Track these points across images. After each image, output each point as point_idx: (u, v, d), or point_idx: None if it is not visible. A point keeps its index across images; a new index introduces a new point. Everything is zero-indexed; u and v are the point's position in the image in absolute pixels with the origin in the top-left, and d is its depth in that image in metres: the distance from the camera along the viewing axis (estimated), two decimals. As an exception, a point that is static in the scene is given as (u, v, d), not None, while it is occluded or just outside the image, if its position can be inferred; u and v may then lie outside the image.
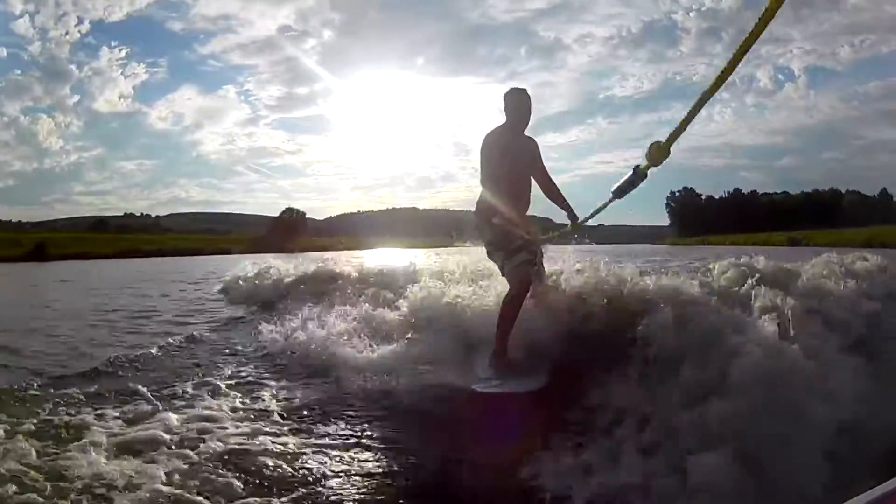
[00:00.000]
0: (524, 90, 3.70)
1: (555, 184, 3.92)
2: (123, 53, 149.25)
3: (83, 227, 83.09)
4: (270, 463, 2.79)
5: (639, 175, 2.51)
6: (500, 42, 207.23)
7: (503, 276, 3.67)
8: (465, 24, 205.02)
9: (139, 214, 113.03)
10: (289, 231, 59.29)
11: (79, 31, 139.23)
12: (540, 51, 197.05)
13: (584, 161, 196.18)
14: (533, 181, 3.90)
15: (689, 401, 2.67)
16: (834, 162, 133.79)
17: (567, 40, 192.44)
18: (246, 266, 10.82)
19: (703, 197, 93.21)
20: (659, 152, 2.19)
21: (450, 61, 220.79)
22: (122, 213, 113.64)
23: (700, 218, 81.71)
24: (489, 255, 3.78)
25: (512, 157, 3.63)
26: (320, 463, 2.83)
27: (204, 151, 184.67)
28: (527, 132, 3.87)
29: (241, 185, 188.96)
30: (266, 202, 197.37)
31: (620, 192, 2.75)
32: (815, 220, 59.49)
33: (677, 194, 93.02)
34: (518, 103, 3.68)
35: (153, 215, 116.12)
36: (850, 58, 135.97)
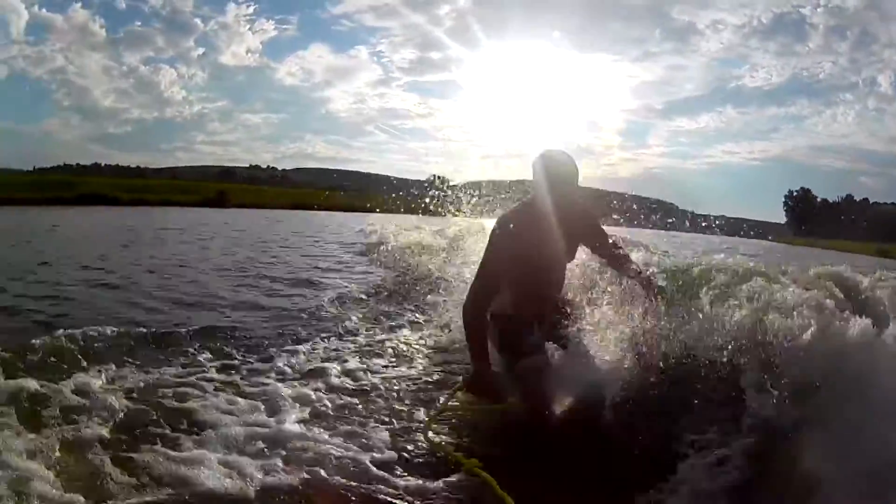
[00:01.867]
0: (566, 154, 2.67)
1: (627, 257, 2.96)
2: (252, 10, 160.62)
3: (209, 176, 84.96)
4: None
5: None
6: (634, 21, 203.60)
7: None
8: (603, 1, 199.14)
9: (265, 167, 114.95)
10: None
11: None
12: (674, 33, 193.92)
13: (711, 149, 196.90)
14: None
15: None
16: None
17: (700, 25, 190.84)
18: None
19: (819, 199, 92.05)
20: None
21: (585, 36, 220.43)
22: (247, 165, 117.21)
23: (813, 220, 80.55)
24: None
25: (545, 256, 2.69)
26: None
27: (333, 109, 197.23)
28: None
29: (370, 145, 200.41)
30: (394, 163, 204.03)
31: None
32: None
33: (794, 193, 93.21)
34: (558, 170, 2.63)
35: (279, 168, 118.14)
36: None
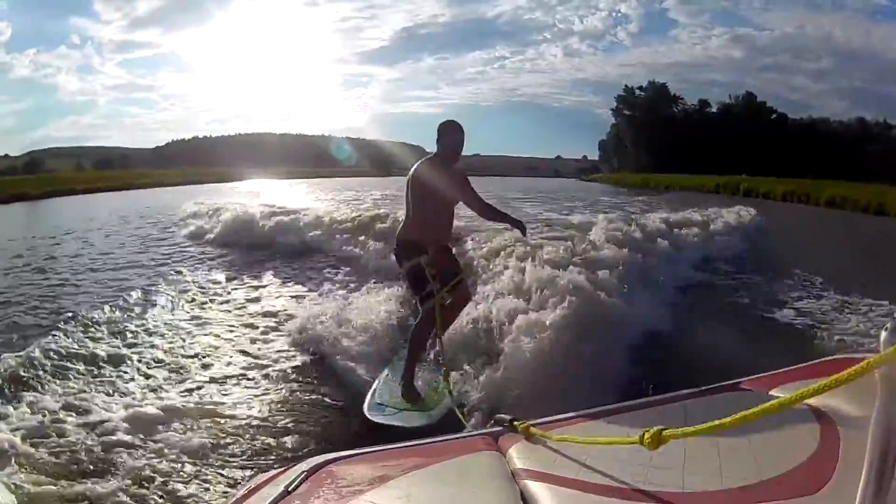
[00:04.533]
0: (460, 125, 3.71)
1: (489, 206, 3.91)
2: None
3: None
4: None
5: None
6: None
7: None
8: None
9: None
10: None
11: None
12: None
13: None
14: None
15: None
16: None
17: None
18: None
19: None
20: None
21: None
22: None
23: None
24: (406, 279, 3.83)
25: (443, 190, 3.62)
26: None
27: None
28: None
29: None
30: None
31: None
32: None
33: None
34: (452, 137, 3.66)
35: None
36: None
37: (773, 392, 1.32)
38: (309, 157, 59.83)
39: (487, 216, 3.96)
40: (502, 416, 1.35)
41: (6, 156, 60.27)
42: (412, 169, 3.68)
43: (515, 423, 1.28)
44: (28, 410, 3.31)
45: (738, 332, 5.02)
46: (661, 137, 52.08)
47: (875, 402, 0.65)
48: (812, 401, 1.17)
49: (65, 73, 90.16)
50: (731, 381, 1.47)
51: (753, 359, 3.99)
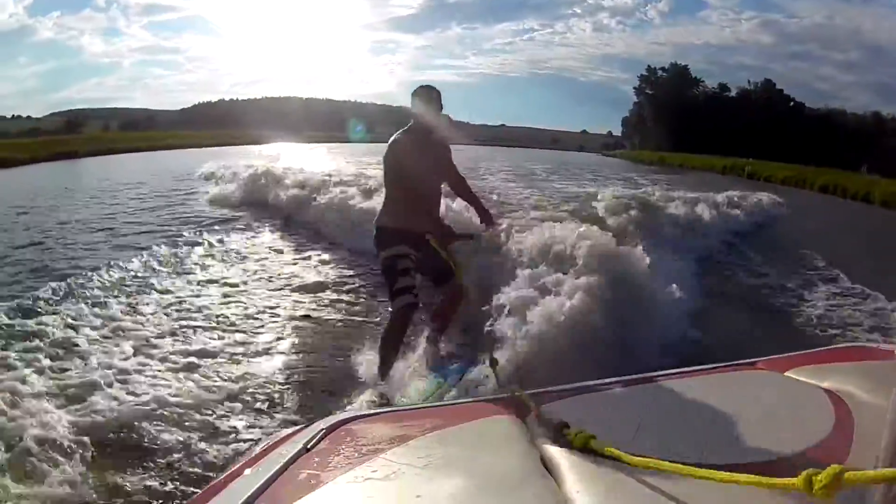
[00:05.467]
0: (435, 88, 3.30)
1: (468, 188, 3.58)
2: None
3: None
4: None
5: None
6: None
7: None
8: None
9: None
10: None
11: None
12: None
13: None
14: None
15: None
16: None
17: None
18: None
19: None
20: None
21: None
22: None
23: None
24: (380, 259, 3.31)
25: (424, 168, 3.23)
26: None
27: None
28: None
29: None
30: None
31: None
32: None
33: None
34: (428, 104, 3.24)
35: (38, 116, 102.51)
36: None
37: (787, 374, 1.35)
38: (335, 122, 59.17)
39: (466, 196, 3.59)
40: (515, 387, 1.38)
41: (29, 117, 62.21)
42: (389, 144, 3.27)
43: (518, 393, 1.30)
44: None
45: (752, 313, 5.23)
46: (680, 118, 52.32)
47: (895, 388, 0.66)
48: (826, 384, 1.25)
49: (89, 34, 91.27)
50: (747, 360, 1.48)
51: (765, 340, 4.28)
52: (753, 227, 9.86)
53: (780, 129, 48.57)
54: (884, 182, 20.95)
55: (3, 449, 2.44)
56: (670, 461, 0.84)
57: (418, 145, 3.23)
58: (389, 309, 3.33)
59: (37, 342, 3.67)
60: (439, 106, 3.30)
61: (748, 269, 7.05)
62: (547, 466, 0.94)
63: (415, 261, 3.22)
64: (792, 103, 55.33)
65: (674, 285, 4.65)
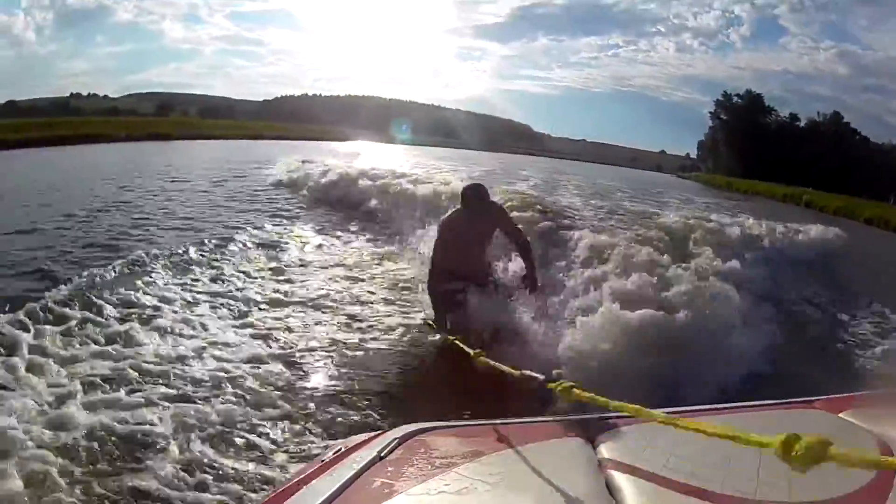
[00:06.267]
0: (482, 186, 4.11)
1: (526, 248, 4.19)
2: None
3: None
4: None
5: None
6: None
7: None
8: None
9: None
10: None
11: None
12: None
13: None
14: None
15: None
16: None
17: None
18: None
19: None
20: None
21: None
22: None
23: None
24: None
25: (467, 240, 4.02)
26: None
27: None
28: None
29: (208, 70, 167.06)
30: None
31: None
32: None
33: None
34: (475, 199, 3.98)
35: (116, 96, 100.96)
36: None
37: (841, 415, 1.34)
38: (420, 125, 57.66)
39: (522, 255, 4.18)
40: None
41: (105, 96, 62.62)
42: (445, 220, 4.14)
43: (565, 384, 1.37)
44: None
45: (809, 350, 5.12)
46: (750, 145, 52.89)
47: None
48: (878, 429, 1.23)
49: (169, 20, 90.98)
50: (803, 399, 1.50)
51: (824, 377, 4.31)
52: (815, 257, 9.52)
53: (842, 161, 48.80)
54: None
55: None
56: (722, 493, 0.89)
57: (465, 220, 4.01)
58: None
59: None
60: (485, 195, 4.03)
61: (809, 302, 6.78)
62: (612, 493, 0.97)
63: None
64: (858, 136, 55.31)
65: (735, 312, 4.61)
